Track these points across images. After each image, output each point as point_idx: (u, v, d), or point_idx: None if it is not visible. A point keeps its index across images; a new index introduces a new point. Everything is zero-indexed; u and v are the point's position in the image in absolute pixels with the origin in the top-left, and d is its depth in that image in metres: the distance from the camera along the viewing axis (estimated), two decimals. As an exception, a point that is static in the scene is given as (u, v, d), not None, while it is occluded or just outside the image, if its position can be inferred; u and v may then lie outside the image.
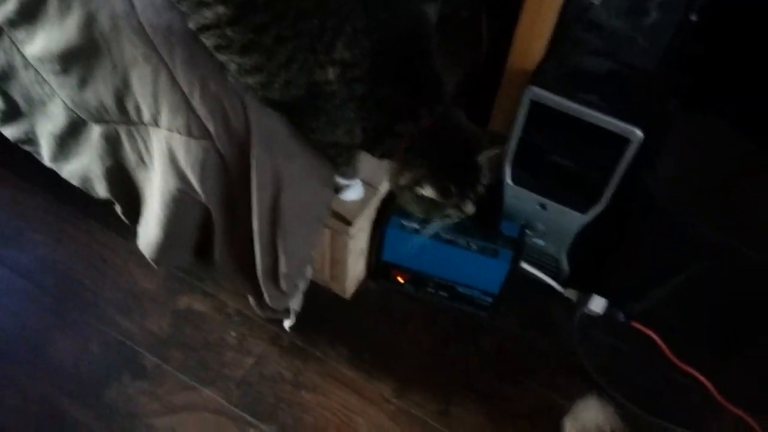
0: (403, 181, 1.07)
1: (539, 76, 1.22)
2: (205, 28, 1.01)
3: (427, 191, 1.04)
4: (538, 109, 1.22)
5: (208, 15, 0.99)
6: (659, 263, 1.36)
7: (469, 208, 1.11)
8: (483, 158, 1.07)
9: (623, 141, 1.18)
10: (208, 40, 1.03)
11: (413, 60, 1.03)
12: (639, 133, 1.16)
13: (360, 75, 0.99)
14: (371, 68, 0.99)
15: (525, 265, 1.54)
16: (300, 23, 0.97)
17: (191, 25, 1.03)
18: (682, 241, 1.28)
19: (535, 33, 1.19)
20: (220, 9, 0.97)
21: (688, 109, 1.36)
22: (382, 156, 1.10)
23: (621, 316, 1.48)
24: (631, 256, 1.43)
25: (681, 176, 1.33)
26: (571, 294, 1.54)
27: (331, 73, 1.00)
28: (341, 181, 1.29)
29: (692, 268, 1.29)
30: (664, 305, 1.42)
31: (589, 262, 1.51)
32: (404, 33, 1.02)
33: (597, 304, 1.48)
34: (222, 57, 1.04)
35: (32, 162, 1.41)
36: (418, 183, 1.04)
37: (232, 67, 1.04)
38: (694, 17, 1.19)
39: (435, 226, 1.20)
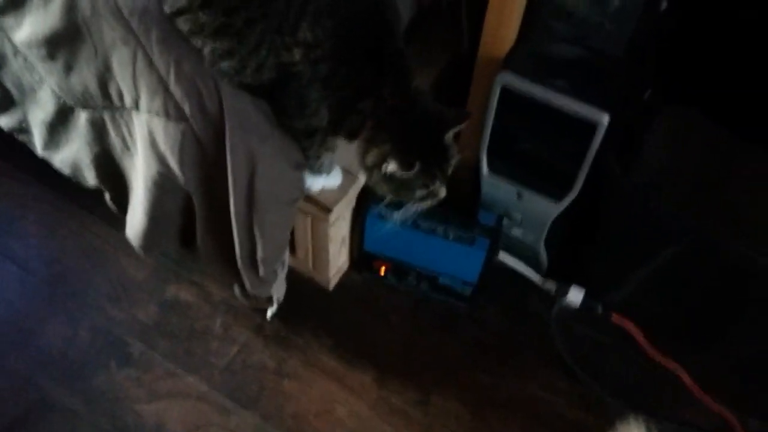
0: (370, 159, 1.09)
1: (509, 61, 1.25)
2: (178, 12, 1.06)
3: (393, 167, 1.06)
4: (508, 95, 1.24)
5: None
6: (633, 251, 1.38)
7: (440, 189, 1.13)
8: (449, 136, 1.09)
9: (591, 126, 1.20)
10: (183, 25, 1.07)
11: (376, 39, 1.06)
12: (606, 117, 1.18)
13: (323, 55, 1.03)
14: (333, 48, 1.03)
15: (504, 256, 1.56)
16: (266, 5, 1.01)
17: (166, 9, 1.07)
18: (653, 228, 1.30)
19: (504, 20, 1.22)
20: None
21: (664, 100, 1.38)
22: (349, 136, 1.13)
23: (599, 308, 1.49)
24: (605, 245, 1.45)
25: (656, 165, 1.35)
26: (550, 285, 1.55)
27: (297, 54, 1.04)
28: (310, 177, 1.31)
29: (664, 254, 1.30)
30: (641, 295, 1.43)
31: (567, 252, 1.53)
32: (367, 13, 1.05)
33: (575, 295, 1.49)
34: (196, 41, 1.08)
35: (27, 153, 1.46)
36: (384, 159, 1.06)
37: (207, 51, 1.08)
38: (664, 5, 1.21)
39: (411, 209, 1.22)
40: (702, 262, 1.28)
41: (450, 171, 1.12)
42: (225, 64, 1.08)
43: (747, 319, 1.31)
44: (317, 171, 1.30)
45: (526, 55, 1.25)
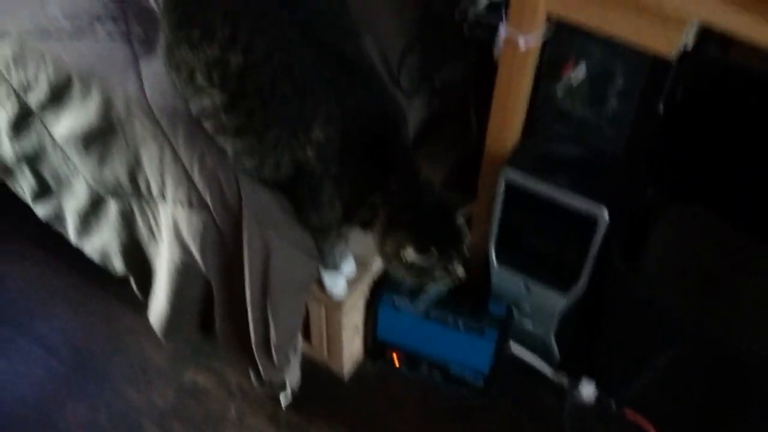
0: (388, 248, 1.14)
1: (513, 159, 1.31)
2: (203, 113, 1.16)
3: (411, 255, 1.11)
4: (513, 190, 1.30)
5: (206, 102, 1.14)
6: (641, 346, 1.38)
7: (458, 269, 1.16)
8: (460, 217, 1.14)
9: (592, 220, 1.24)
10: (208, 125, 1.17)
11: (382, 137, 1.14)
12: (605, 211, 1.23)
13: (332, 154, 1.11)
14: (342, 147, 1.10)
15: (516, 348, 1.57)
16: (282, 107, 1.10)
17: (193, 111, 1.17)
18: (659, 324, 1.31)
19: (507, 122, 1.30)
20: (216, 96, 1.12)
21: (667, 197, 1.42)
22: (363, 226, 1.19)
23: (612, 404, 1.48)
24: (613, 339, 1.46)
25: (661, 261, 1.37)
26: (561, 378, 1.55)
27: (310, 153, 1.12)
28: (324, 272, 1.37)
29: (672, 350, 1.30)
30: (652, 390, 1.42)
31: (578, 345, 1.54)
32: (372, 114, 1.14)
33: (587, 390, 1.49)
34: (219, 140, 1.17)
35: (60, 241, 1.56)
36: (402, 247, 1.11)
37: (229, 150, 1.17)
38: (660, 108, 1.27)
39: (427, 297, 1.25)
40: (709, 359, 1.29)
41: (465, 250, 1.16)
42: (246, 162, 1.17)
43: (757, 414, 1.29)
44: (332, 266, 1.36)
45: (529, 154, 1.32)
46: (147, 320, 1.48)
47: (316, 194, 1.16)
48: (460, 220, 1.14)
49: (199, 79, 1.11)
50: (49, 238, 1.63)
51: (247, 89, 1.10)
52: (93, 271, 1.58)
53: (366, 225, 1.17)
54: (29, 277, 1.79)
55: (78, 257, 1.54)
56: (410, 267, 1.13)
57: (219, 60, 1.08)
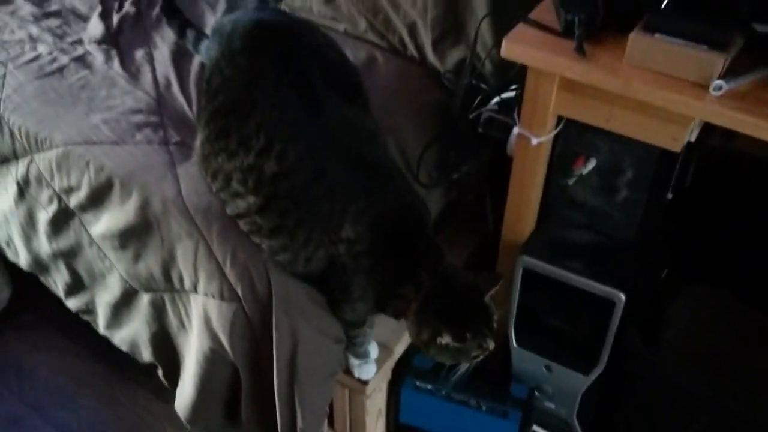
0: (424, 336, 1.18)
1: (529, 247, 1.37)
2: (239, 215, 1.23)
3: (447, 340, 1.15)
4: (530, 276, 1.35)
5: (241, 204, 1.21)
6: (663, 425, 1.40)
7: (490, 344, 1.20)
8: (488, 297, 1.19)
9: (609, 303, 1.29)
10: (243, 226, 1.24)
11: (410, 233, 1.20)
12: (622, 295, 1.28)
13: (363, 249, 1.16)
14: (372, 243, 1.16)
15: (538, 429, 1.58)
16: (314, 207, 1.17)
17: (228, 212, 1.24)
18: (680, 403, 1.34)
19: (522, 212, 1.37)
20: (251, 199, 1.19)
21: (683, 278, 1.47)
22: (395, 316, 1.24)
23: (638, 484, 1.49)
24: (636, 418, 1.47)
25: (680, 340, 1.41)
26: (586, 459, 1.56)
27: (341, 249, 1.17)
28: (354, 360, 1.41)
29: (691, 428, 1.32)
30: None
31: (600, 425, 1.55)
32: (399, 211, 1.20)
33: (612, 470, 1.50)
34: (255, 239, 1.24)
35: (86, 330, 1.60)
36: (438, 335, 1.15)
37: (265, 246, 1.23)
38: (669, 195, 1.34)
39: (453, 377, 1.28)
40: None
41: (495, 325, 1.20)
42: (280, 257, 1.23)
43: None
44: (362, 355, 1.40)
45: (544, 240, 1.38)
46: (171, 408, 1.50)
47: (348, 287, 1.21)
48: (488, 299, 1.19)
49: (235, 185, 1.19)
50: (77, 328, 1.67)
51: (280, 192, 1.17)
52: (119, 360, 1.61)
53: (399, 315, 1.22)
54: (57, 367, 1.83)
55: (105, 346, 1.58)
56: (446, 350, 1.17)
57: (254, 167, 1.16)
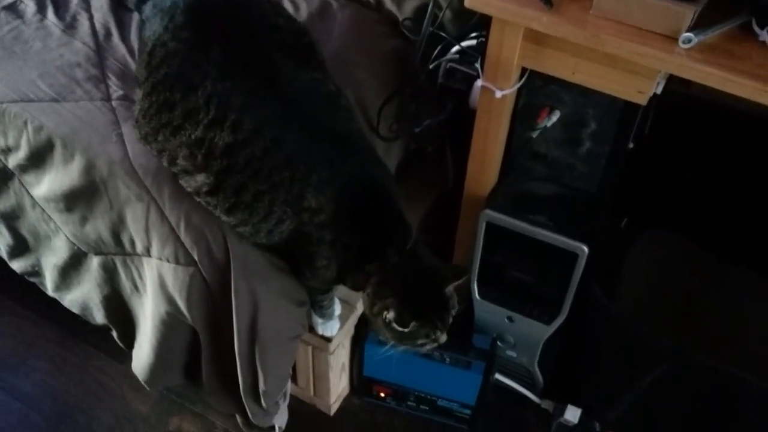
0: (375, 310, 1.16)
1: (492, 200, 1.35)
2: (194, 192, 1.17)
3: (392, 316, 1.13)
4: (493, 229, 1.34)
5: (191, 183, 1.16)
6: (622, 372, 1.43)
7: (441, 337, 1.19)
8: (449, 289, 1.17)
9: (572, 256, 1.29)
10: (199, 201, 1.18)
11: (377, 206, 1.16)
12: (585, 248, 1.27)
13: (326, 220, 1.12)
14: (335, 213, 1.12)
15: (501, 377, 1.60)
16: (273, 177, 1.11)
17: (186, 188, 1.18)
18: (639, 350, 1.36)
19: (485, 164, 1.34)
20: (201, 177, 1.14)
21: (641, 226, 1.48)
22: (354, 288, 1.22)
23: (596, 426, 1.52)
24: (595, 366, 1.50)
25: (639, 288, 1.42)
26: (547, 405, 1.59)
27: (305, 218, 1.13)
28: (318, 318, 1.39)
29: (652, 375, 1.35)
30: (635, 414, 1.47)
31: (561, 371, 1.58)
32: (364, 183, 1.16)
33: (572, 414, 1.53)
34: (215, 213, 1.18)
35: (36, 293, 1.54)
36: (388, 311, 1.13)
37: (225, 220, 1.18)
38: (631, 145, 1.33)
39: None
40: (688, 382, 1.34)
41: (450, 320, 1.19)
42: (241, 230, 1.19)
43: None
44: (328, 316, 1.38)
45: (507, 194, 1.36)
46: (128, 368, 1.47)
47: (312, 256, 1.18)
48: (450, 291, 1.17)
49: (182, 161, 1.14)
50: (25, 291, 1.60)
51: (234, 166, 1.11)
52: (71, 322, 1.57)
53: (358, 288, 1.20)
54: (7, 330, 1.76)
55: (56, 308, 1.52)
56: (392, 330, 1.15)
57: (202, 140, 1.11)
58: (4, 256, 1.52)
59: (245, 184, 1.12)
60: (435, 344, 1.18)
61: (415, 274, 1.15)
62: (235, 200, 1.13)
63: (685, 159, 1.45)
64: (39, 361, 1.72)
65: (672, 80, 1.27)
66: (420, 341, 1.17)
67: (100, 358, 1.72)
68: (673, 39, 1.01)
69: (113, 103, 1.29)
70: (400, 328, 1.12)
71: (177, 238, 1.20)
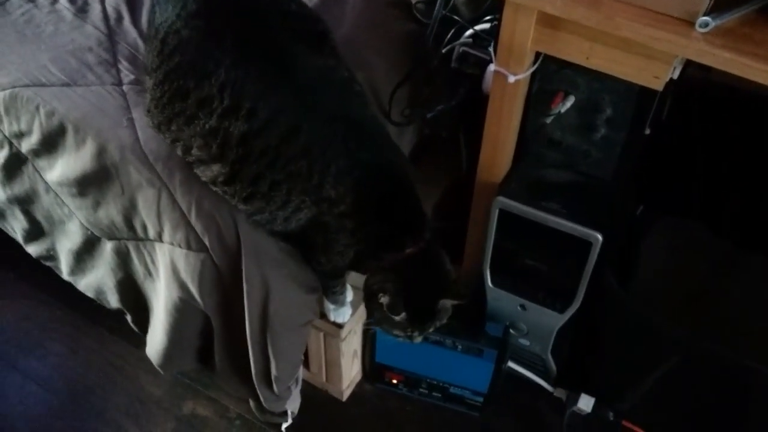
0: (375, 287, 1.18)
1: (505, 187, 1.33)
2: (210, 182, 1.17)
3: (384, 301, 1.15)
4: (506, 217, 1.32)
5: (207, 173, 1.15)
6: (636, 360, 1.41)
7: (415, 338, 1.23)
8: (444, 303, 1.19)
9: (586, 244, 1.27)
10: (217, 190, 1.18)
11: (396, 196, 1.15)
12: (599, 236, 1.26)
13: (346, 210, 1.12)
14: (355, 204, 1.11)
15: (514, 365, 1.60)
16: (290, 166, 1.10)
17: (201, 177, 1.17)
18: (653, 339, 1.35)
19: (498, 151, 1.32)
20: (216, 168, 1.13)
21: (656, 214, 1.45)
22: (364, 272, 1.22)
23: (610, 415, 1.51)
24: (609, 354, 1.49)
25: (653, 277, 1.41)
26: (560, 393, 1.58)
27: (324, 208, 1.12)
28: (330, 305, 1.39)
29: (666, 364, 1.34)
30: (648, 403, 1.46)
31: (575, 360, 1.57)
32: (384, 172, 1.15)
33: (585, 403, 1.52)
34: (232, 202, 1.18)
35: (52, 277, 1.55)
36: (383, 291, 1.15)
37: (241, 209, 1.18)
38: (647, 131, 1.30)
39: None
40: (702, 372, 1.32)
41: (430, 330, 1.22)
42: (258, 218, 1.18)
43: (751, 424, 1.33)
44: (340, 303, 1.38)
45: (521, 180, 1.34)
46: (143, 352, 1.48)
47: (330, 244, 1.17)
48: (446, 305, 1.19)
49: (196, 151, 1.13)
50: (41, 275, 1.62)
51: (250, 155, 1.10)
52: (86, 306, 1.58)
53: (368, 271, 1.21)
54: (22, 313, 1.78)
55: (71, 292, 1.54)
56: (379, 308, 1.17)
57: (217, 130, 1.10)
58: (20, 240, 1.53)
59: (262, 173, 1.11)
60: (407, 340, 1.22)
61: (423, 275, 1.16)
62: (252, 190, 1.13)
63: (704, 146, 1.42)
64: (55, 344, 1.74)
65: (690, 65, 1.25)
66: (396, 332, 1.20)
67: (115, 341, 1.74)
68: (690, 23, 0.99)
69: (124, 87, 1.29)
70: (388, 313, 1.14)
71: (188, 223, 1.20)
